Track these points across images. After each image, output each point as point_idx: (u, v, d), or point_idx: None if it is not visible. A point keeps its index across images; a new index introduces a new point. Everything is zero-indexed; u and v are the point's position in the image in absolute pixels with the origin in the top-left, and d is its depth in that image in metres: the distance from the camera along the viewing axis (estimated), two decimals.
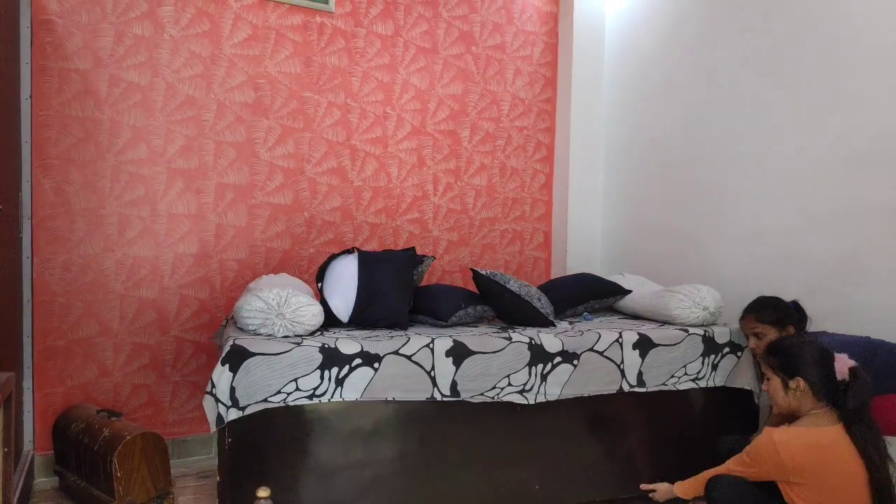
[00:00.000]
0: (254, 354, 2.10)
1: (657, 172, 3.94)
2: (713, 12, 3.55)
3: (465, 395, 2.35)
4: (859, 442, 1.93)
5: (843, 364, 2.02)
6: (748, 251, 3.32)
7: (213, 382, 2.05)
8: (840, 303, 2.86)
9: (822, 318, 2.93)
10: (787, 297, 2.76)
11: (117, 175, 3.14)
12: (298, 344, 2.18)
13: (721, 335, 2.78)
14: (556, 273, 4.32)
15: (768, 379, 2.16)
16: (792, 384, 2.07)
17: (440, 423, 2.36)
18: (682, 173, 3.70)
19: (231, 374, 2.06)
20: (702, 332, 2.74)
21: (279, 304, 2.30)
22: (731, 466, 2.12)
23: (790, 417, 2.12)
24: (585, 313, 3.09)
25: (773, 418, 2.32)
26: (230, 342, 2.14)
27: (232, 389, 2.06)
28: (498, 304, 2.78)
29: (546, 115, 4.31)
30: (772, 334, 2.64)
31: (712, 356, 2.73)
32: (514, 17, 4.17)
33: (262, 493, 1.50)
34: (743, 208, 3.35)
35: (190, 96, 3.28)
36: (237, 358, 2.08)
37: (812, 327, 2.75)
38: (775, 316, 2.67)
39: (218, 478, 2.08)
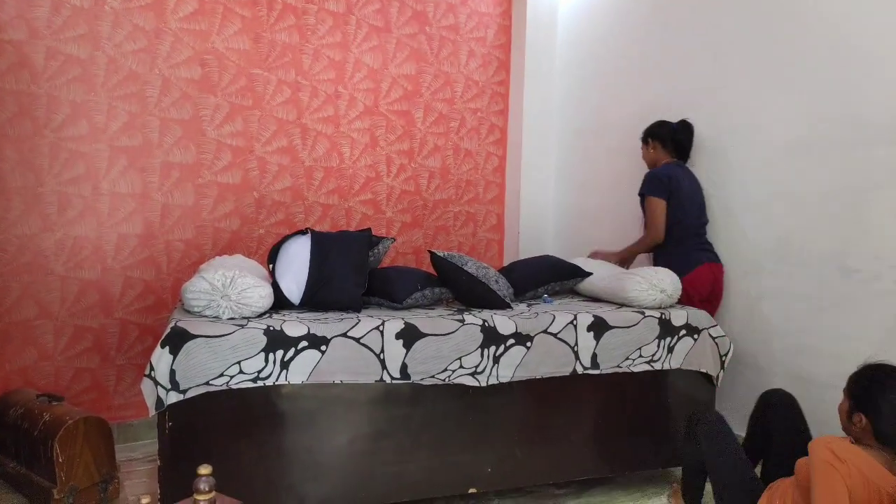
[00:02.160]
0: (195, 337, 2.06)
1: (608, 156, 3.99)
2: None
3: (415, 378, 2.33)
4: None
5: None
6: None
7: (151, 365, 2.01)
8: (779, 282, 2.96)
9: (762, 296, 3.04)
10: (731, 277, 3.01)
11: (56, 152, 3.03)
12: (243, 326, 2.15)
13: (678, 318, 2.72)
14: (508, 255, 4.35)
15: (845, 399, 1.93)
16: (855, 418, 1.85)
17: (390, 406, 2.34)
18: (632, 158, 3.75)
19: (171, 357, 2.02)
20: (658, 315, 2.70)
21: (224, 286, 2.25)
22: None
23: None
24: (545, 296, 3.08)
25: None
26: (171, 324, 2.10)
27: (172, 372, 2.02)
28: (455, 286, 2.75)
29: (499, 97, 4.31)
30: (643, 150, 3.40)
31: (668, 339, 2.69)
32: None
33: (204, 469, 1.48)
34: None
35: (133, 71, 3.18)
36: (177, 340, 2.04)
37: (751, 308, 2.84)
38: (644, 132, 3.38)
39: (158, 462, 2.05)
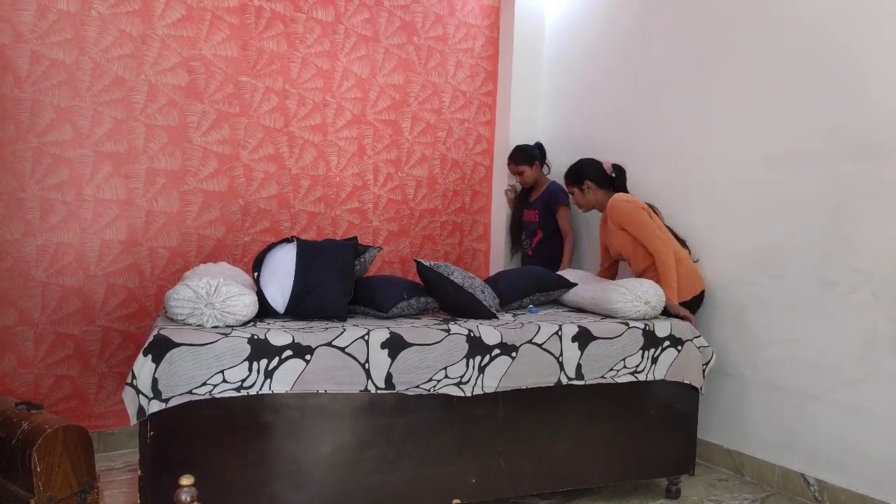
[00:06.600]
0: (178, 345, 2.04)
1: None
2: (646, 13, 3.63)
3: (400, 388, 2.33)
4: None
5: (607, 165, 3.37)
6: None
7: (133, 373, 1.99)
8: (760, 294, 2.99)
9: (744, 308, 3.07)
10: (714, 289, 3.03)
11: (39, 157, 3.00)
12: (226, 335, 2.13)
13: (661, 329, 2.74)
14: (494, 265, 4.36)
15: (571, 193, 3.46)
16: (584, 186, 3.35)
17: (374, 416, 2.33)
18: None
19: (153, 365, 2.00)
20: (642, 326, 2.72)
21: (208, 294, 2.23)
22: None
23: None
24: (531, 306, 3.09)
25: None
26: (154, 332, 2.08)
27: (154, 381, 2.00)
28: (441, 295, 2.75)
29: (486, 108, 4.34)
30: (528, 171, 3.93)
31: (652, 350, 2.71)
32: (457, 10, 4.17)
33: (186, 480, 1.46)
34: (670, 203, 3.44)
35: (119, 77, 3.16)
36: (160, 348, 2.02)
37: (733, 319, 2.86)
38: (524, 157, 3.93)
39: (139, 472, 2.03)
